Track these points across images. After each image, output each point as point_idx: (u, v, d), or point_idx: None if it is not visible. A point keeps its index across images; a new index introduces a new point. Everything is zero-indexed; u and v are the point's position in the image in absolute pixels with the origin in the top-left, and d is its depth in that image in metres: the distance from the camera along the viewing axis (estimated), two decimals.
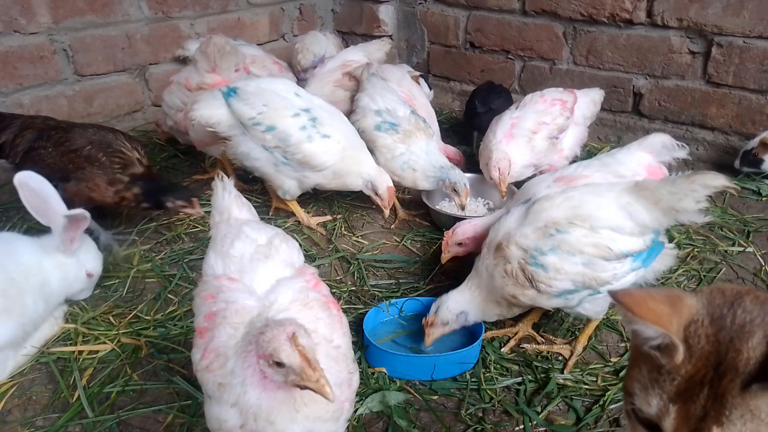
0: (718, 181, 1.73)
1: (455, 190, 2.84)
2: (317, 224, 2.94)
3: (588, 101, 3.25)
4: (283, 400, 1.26)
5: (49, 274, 2.14)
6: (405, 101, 3.12)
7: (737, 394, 0.84)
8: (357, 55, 3.56)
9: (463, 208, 2.91)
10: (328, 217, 3.03)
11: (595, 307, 1.99)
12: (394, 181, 2.85)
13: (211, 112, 2.55)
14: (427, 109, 3.40)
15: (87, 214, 2.11)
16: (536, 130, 2.94)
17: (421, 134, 2.94)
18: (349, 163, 2.74)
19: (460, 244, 2.40)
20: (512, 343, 2.18)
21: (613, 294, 0.92)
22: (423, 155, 2.89)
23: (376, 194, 2.80)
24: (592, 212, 1.84)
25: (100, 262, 2.37)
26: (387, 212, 2.85)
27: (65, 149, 2.46)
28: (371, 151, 2.89)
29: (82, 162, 2.39)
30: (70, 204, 2.22)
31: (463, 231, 2.39)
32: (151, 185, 2.62)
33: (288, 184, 2.71)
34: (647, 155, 2.26)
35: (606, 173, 2.22)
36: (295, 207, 2.92)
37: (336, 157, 2.67)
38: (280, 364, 1.20)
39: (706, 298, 0.95)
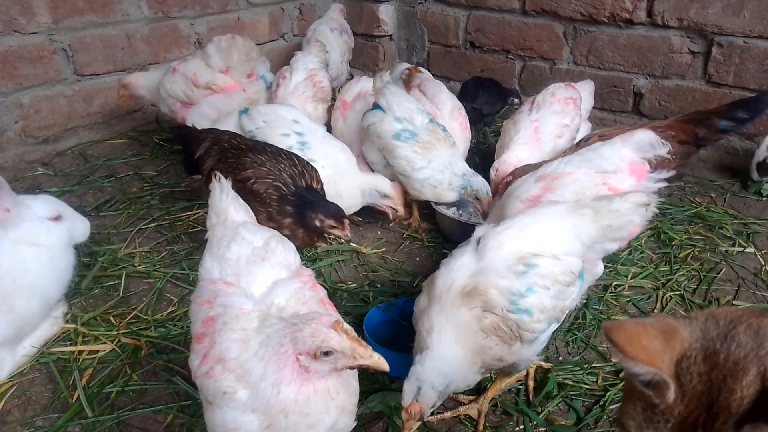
0: (646, 198, 1.84)
1: (477, 198, 2.79)
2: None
3: (587, 94, 3.29)
4: (319, 391, 1.30)
5: (33, 268, 1.99)
6: (422, 110, 2.91)
7: None
8: (312, 62, 3.41)
9: (485, 216, 2.73)
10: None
11: (538, 348, 1.75)
12: (413, 195, 2.83)
13: (225, 126, 2.86)
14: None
15: None
16: (560, 134, 2.90)
17: (441, 144, 2.80)
18: (341, 186, 2.70)
19: None
20: (455, 414, 1.89)
21: (606, 330, 0.90)
22: (445, 169, 2.77)
23: (385, 197, 2.77)
24: (550, 239, 1.73)
25: (50, 201, 2.13)
26: (402, 210, 2.81)
27: (235, 177, 2.35)
28: (388, 160, 2.82)
29: (247, 194, 2.30)
30: None
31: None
32: (300, 208, 2.41)
33: None
34: (631, 152, 2.22)
35: (588, 169, 2.18)
36: None
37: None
38: (327, 353, 1.26)
39: (701, 330, 0.93)
